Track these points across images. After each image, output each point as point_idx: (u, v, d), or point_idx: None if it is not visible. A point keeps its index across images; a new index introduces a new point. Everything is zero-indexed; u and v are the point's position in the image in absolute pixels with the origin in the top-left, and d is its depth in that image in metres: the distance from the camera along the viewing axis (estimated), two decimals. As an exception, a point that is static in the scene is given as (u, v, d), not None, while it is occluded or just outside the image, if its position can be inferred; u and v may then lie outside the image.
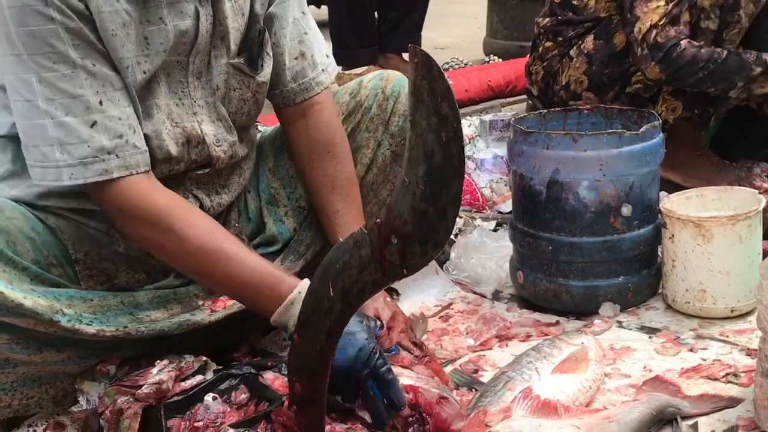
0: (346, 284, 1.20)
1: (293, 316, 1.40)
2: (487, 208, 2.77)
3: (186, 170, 1.67)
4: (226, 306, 1.68)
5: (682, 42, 2.34)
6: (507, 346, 1.96)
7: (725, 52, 2.37)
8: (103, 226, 1.64)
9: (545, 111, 2.27)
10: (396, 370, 1.48)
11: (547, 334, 1.96)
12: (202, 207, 1.71)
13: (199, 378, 1.51)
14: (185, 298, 1.69)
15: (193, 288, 1.71)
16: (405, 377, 1.50)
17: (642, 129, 2.00)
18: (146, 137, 1.55)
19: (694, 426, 1.52)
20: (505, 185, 2.86)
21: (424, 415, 1.44)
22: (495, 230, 2.60)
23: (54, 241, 1.59)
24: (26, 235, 1.53)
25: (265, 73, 1.75)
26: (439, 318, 2.15)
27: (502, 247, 2.38)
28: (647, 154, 2.01)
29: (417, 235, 1.05)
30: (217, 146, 1.68)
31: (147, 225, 1.51)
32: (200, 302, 1.70)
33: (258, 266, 1.51)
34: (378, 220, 1.11)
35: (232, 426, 1.39)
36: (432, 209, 1.01)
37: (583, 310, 2.07)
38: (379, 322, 1.50)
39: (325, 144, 1.82)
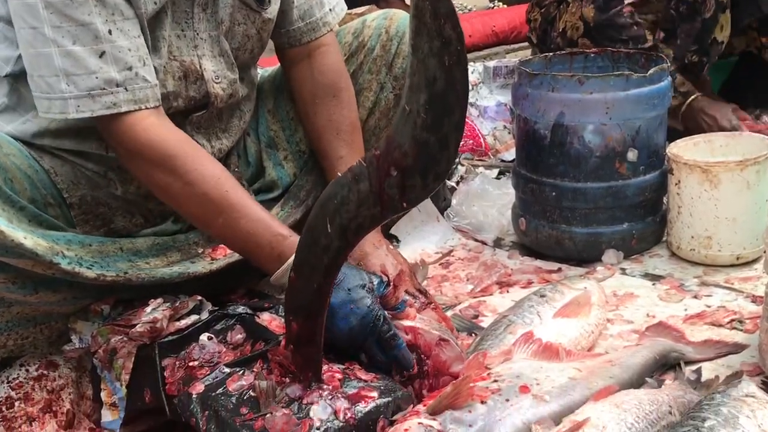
0: (344, 220, 1.17)
1: None
2: (490, 155, 2.73)
3: (185, 109, 1.63)
4: (227, 254, 1.66)
5: (626, 8, 2.36)
6: (508, 292, 1.95)
7: (649, 43, 2.45)
8: (100, 169, 1.61)
9: (550, 54, 2.22)
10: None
11: (548, 281, 1.94)
12: None
13: (194, 318, 1.49)
14: (184, 245, 1.67)
15: (193, 235, 1.69)
16: (406, 319, 1.48)
17: (650, 71, 1.96)
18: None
19: (698, 371, 1.50)
20: (509, 133, 2.84)
21: (422, 356, 1.42)
22: (497, 178, 2.58)
23: (50, 182, 1.57)
24: (24, 172, 1.50)
25: (272, 10, 1.71)
26: (439, 265, 2.13)
27: (504, 194, 2.36)
28: (655, 97, 1.97)
29: (418, 166, 1.02)
30: (216, 83, 1.64)
31: (153, 164, 1.46)
32: (200, 250, 1.67)
33: (261, 221, 1.46)
34: (377, 152, 1.07)
35: (227, 365, 1.37)
36: (433, 138, 0.98)
37: (586, 257, 2.05)
38: (385, 278, 1.46)
39: (331, 88, 1.79)
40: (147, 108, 1.46)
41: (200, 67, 1.60)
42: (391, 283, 1.45)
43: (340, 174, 1.68)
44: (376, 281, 1.42)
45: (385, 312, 1.41)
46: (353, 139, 1.79)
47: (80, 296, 1.56)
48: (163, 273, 1.57)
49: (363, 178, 1.11)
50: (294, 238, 1.42)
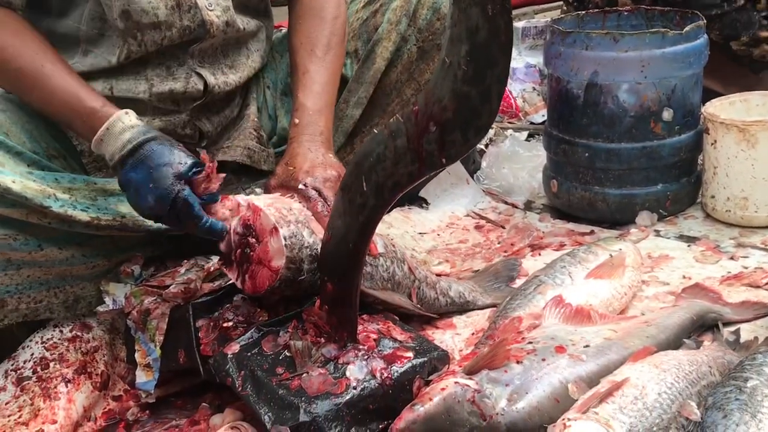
0: (380, 178, 1.16)
1: (108, 151, 1.41)
2: (520, 117, 2.71)
3: (181, 40, 1.62)
4: None
5: None
6: (540, 255, 1.93)
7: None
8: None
9: (583, 12, 2.19)
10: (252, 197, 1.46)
11: (581, 243, 1.91)
12: (206, 85, 1.68)
13: (227, 279, 1.49)
14: None
15: None
16: (258, 199, 1.44)
17: (686, 29, 1.93)
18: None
19: (736, 332, 1.49)
20: (538, 95, 2.81)
21: (251, 239, 1.39)
22: (527, 140, 2.56)
23: (54, 134, 1.58)
24: (21, 126, 1.52)
25: None
26: (474, 228, 2.12)
27: (535, 156, 2.35)
28: (691, 55, 1.94)
29: (458, 121, 1.00)
30: (210, 10, 1.62)
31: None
32: None
33: (73, 94, 1.46)
34: (415, 107, 1.06)
35: (261, 326, 1.37)
36: (475, 91, 0.96)
37: (619, 219, 2.03)
38: (203, 163, 1.41)
39: (316, 9, 1.75)
40: None
41: None
42: (206, 171, 1.40)
43: (300, 90, 1.66)
44: (187, 163, 1.39)
45: (192, 195, 1.38)
46: (325, 57, 1.72)
47: (90, 254, 1.56)
48: (160, 224, 1.54)
49: (400, 134, 1.10)
50: (107, 109, 1.44)
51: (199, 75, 1.66)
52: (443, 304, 1.64)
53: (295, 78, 1.71)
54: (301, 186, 1.47)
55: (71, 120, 1.48)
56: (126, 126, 1.41)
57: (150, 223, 1.53)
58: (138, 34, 1.57)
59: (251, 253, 1.38)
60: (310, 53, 1.70)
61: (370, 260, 1.46)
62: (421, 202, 2.22)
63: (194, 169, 1.38)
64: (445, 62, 0.98)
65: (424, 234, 2.11)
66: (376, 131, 1.14)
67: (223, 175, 1.42)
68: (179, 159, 1.38)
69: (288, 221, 1.38)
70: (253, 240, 1.38)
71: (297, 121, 1.61)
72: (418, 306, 1.55)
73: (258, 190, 1.69)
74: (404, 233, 2.08)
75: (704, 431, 1.16)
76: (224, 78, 1.71)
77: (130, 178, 1.38)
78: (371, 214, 1.21)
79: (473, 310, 1.69)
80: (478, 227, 2.13)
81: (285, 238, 1.35)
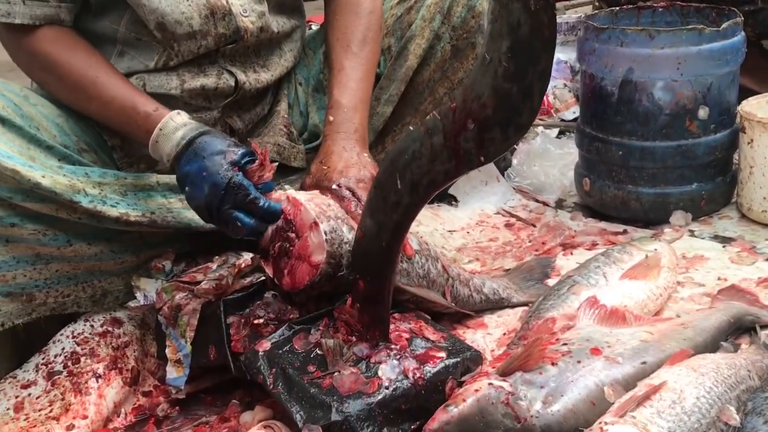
0: (416, 176, 1.14)
1: (164, 152, 1.44)
2: (552, 113, 2.68)
3: (216, 47, 1.62)
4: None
5: None
6: (572, 254, 1.91)
7: None
8: None
9: (617, 8, 2.16)
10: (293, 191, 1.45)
11: (614, 243, 1.90)
12: (237, 83, 1.67)
13: (258, 275, 1.49)
14: None
15: None
16: (298, 193, 1.43)
17: (723, 26, 1.89)
18: (162, 12, 1.53)
19: (775, 335, 1.46)
20: (569, 92, 2.78)
21: (291, 234, 1.38)
22: (558, 138, 2.54)
23: (85, 128, 1.58)
24: (52, 121, 1.52)
25: None
26: (504, 227, 2.10)
27: (566, 154, 2.32)
28: (728, 52, 1.91)
29: (498, 118, 0.98)
30: (245, 16, 1.62)
31: (39, 69, 1.54)
32: None
33: (128, 102, 1.49)
34: (452, 104, 1.04)
35: (293, 323, 1.37)
36: (516, 88, 0.94)
37: (653, 218, 2.00)
38: (255, 152, 1.41)
39: (353, 5, 1.74)
40: (42, 25, 1.51)
41: (227, 2, 1.59)
42: (259, 160, 1.39)
43: (335, 86, 1.66)
44: (239, 151, 1.39)
45: (247, 181, 1.38)
46: (360, 53, 1.71)
47: (118, 250, 1.56)
48: (192, 218, 1.55)
49: (437, 131, 1.08)
50: (160, 112, 1.47)
51: (231, 72, 1.66)
52: (477, 301, 1.63)
53: (330, 74, 1.70)
54: (334, 186, 1.46)
55: (129, 127, 1.50)
56: (178, 124, 1.43)
57: (179, 219, 1.53)
58: (175, 44, 1.57)
59: (290, 248, 1.38)
60: (345, 49, 1.69)
61: (405, 258, 1.44)
62: (451, 200, 2.20)
63: (247, 158, 1.39)
64: (485, 58, 0.96)
65: (454, 232, 2.09)
66: (411, 128, 1.13)
67: (276, 164, 1.42)
68: (231, 148, 1.39)
69: (328, 216, 1.37)
70: (293, 235, 1.38)
71: (331, 118, 1.60)
72: (453, 304, 1.53)
73: (287, 186, 1.68)
74: (433, 231, 2.06)
75: (744, 437, 1.14)
76: (256, 76, 1.70)
77: (186, 172, 1.39)
78: (405, 212, 1.20)
79: (508, 307, 1.67)
80: (508, 225, 2.11)
81: (326, 233, 1.35)
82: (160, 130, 1.43)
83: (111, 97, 1.50)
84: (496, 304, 1.66)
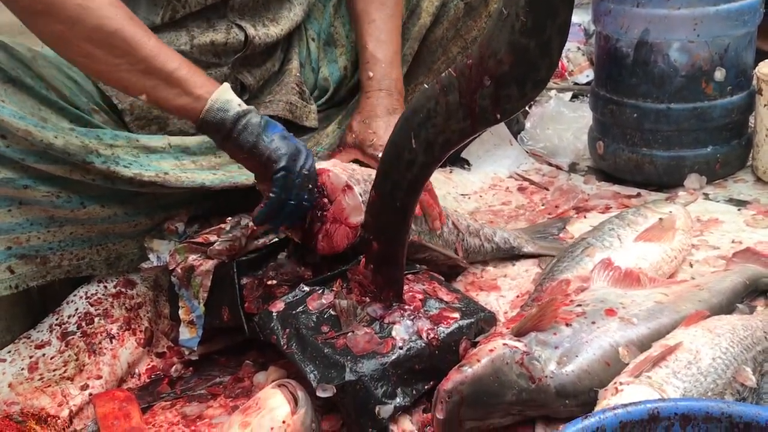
0: (431, 134, 1.13)
1: (233, 105, 1.34)
2: (566, 76, 2.66)
3: None
4: None
5: None
6: (585, 217, 1.90)
7: None
8: None
9: (633, -31, 2.12)
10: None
11: (627, 206, 1.89)
12: (247, 37, 1.65)
13: (271, 237, 1.48)
14: None
15: None
16: (319, 163, 1.44)
17: (741, -14, 1.86)
18: None
19: (790, 298, 1.45)
20: (583, 55, 2.76)
21: (323, 200, 1.39)
22: (571, 101, 2.52)
23: (95, 90, 1.56)
24: (62, 81, 1.49)
25: None
26: (517, 190, 2.09)
27: (580, 117, 2.31)
28: (745, 13, 1.88)
29: (515, 74, 0.97)
30: None
31: (44, 16, 1.30)
32: None
33: (174, 58, 1.36)
34: (468, 61, 1.03)
35: (306, 284, 1.36)
36: (534, 43, 0.93)
37: (667, 181, 1.99)
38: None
39: None
40: None
41: None
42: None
43: (368, 38, 1.67)
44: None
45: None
46: (389, 3, 1.71)
47: (132, 213, 1.55)
48: (204, 178, 1.54)
49: (452, 89, 1.07)
50: (206, 86, 1.36)
51: (240, 27, 1.64)
52: (488, 250, 1.65)
53: (360, 27, 1.69)
54: (380, 155, 1.45)
55: (161, 82, 1.36)
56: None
57: (192, 179, 1.52)
58: None
59: (324, 213, 1.39)
60: (374, 0, 1.69)
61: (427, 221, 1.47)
62: (464, 163, 2.19)
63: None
64: (502, 13, 0.94)
65: (467, 195, 2.08)
66: (426, 86, 1.11)
67: None
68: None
69: (357, 180, 1.40)
70: (325, 200, 1.39)
71: (371, 74, 1.63)
72: (464, 261, 1.56)
73: None
74: (446, 194, 2.05)
75: (760, 398, 1.13)
76: (265, 30, 1.68)
77: (277, 129, 1.35)
78: (420, 172, 1.19)
79: (519, 256, 1.71)
80: (521, 189, 2.10)
81: (361, 195, 1.36)
82: (217, 99, 1.34)
83: (153, 50, 1.35)
84: (507, 253, 1.69)
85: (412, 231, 1.44)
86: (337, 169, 1.39)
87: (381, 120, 1.56)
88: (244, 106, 1.35)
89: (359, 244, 1.35)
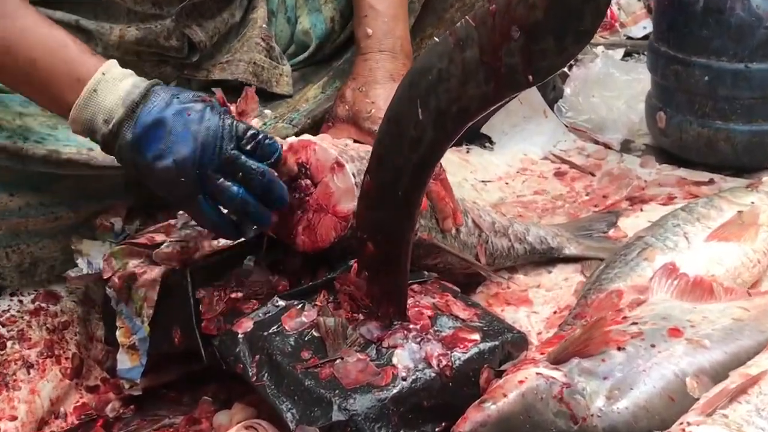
0: (442, 102, 1.13)
1: (101, 111, 1.33)
2: (617, 28, 2.68)
3: None
4: None
5: None
6: (642, 210, 1.92)
7: None
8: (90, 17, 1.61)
9: None
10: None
11: (697, 196, 1.90)
12: None
13: (236, 238, 1.49)
14: None
15: None
16: (302, 137, 1.44)
17: None
18: None
19: None
20: (638, 1, 2.78)
21: (305, 182, 1.39)
22: (624, 60, 2.53)
23: None
24: None
25: None
26: (554, 176, 2.10)
27: (635, 81, 2.32)
28: None
29: (551, 24, 0.97)
30: None
31: None
32: None
33: (50, 35, 1.37)
34: (492, 7, 1.03)
35: (281, 297, 1.36)
36: (575, -17, 0.94)
37: (748, 164, 2.03)
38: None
39: None
40: None
41: None
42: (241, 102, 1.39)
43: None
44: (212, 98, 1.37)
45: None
46: None
47: (50, 203, 1.56)
48: None
49: (471, 43, 1.07)
50: (98, 58, 1.37)
51: None
52: (520, 253, 1.67)
53: None
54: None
55: (52, 75, 1.37)
56: (125, 72, 1.37)
57: None
58: None
59: (306, 199, 1.38)
60: None
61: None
62: (485, 141, 2.21)
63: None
64: (535, -56, 0.95)
65: (488, 182, 2.11)
66: (437, 39, 1.12)
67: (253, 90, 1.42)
68: (199, 95, 1.36)
69: (351, 156, 1.39)
70: (308, 182, 1.38)
71: (370, 31, 1.64)
72: (487, 268, 1.57)
73: (267, 112, 1.69)
74: (462, 181, 2.07)
75: None
76: None
77: (158, 119, 1.31)
78: (429, 152, 1.19)
79: (557, 260, 1.72)
80: (559, 174, 2.12)
81: (354, 175, 1.36)
82: (103, 74, 1.35)
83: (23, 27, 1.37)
84: (543, 256, 1.71)
85: (420, 227, 1.45)
86: (325, 143, 1.39)
87: (381, 87, 1.58)
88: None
89: (351, 244, 1.36)
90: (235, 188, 1.32)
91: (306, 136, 1.43)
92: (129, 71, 1.37)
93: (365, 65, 1.63)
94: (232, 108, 1.39)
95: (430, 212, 1.49)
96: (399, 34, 1.64)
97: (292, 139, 1.44)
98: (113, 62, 1.37)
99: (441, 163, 1.47)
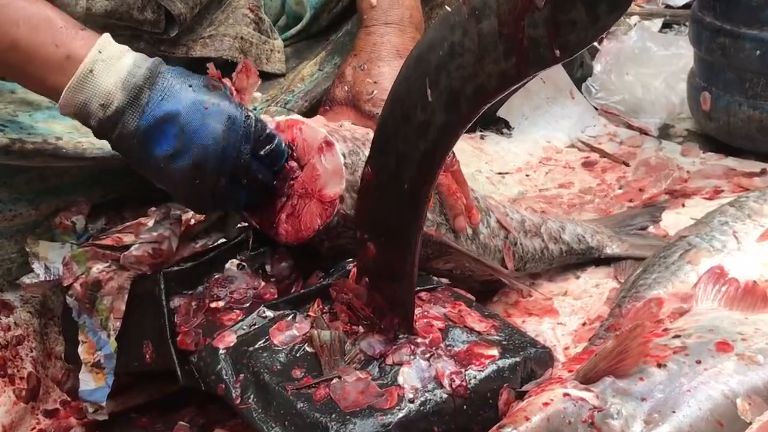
0: (455, 81, 1.13)
1: (97, 95, 1.35)
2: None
3: None
4: None
5: None
6: (683, 206, 1.93)
7: None
8: None
9: None
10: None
11: (747, 189, 1.91)
12: None
13: (215, 237, 1.49)
14: None
15: None
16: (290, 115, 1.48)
17: None
18: None
19: None
20: (679, -38, 2.78)
21: (291, 164, 1.41)
22: (662, 32, 2.53)
23: None
24: None
25: None
26: (582, 166, 2.11)
27: (675, 56, 2.33)
28: None
29: (581, -11, 0.98)
30: None
31: None
32: None
33: (36, 10, 1.38)
34: (513, -29, 1.03)
35: (269, 307, 1.37)
36: (609, -56, 0.94)
37: (806, 152, 2.02)
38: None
39: None
40: None
41: None
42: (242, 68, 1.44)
43: None
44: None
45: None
46: None
47: (7, 199, 1.57)
48: None
49: (488, 12, 1.07)
50: (92, 33, 1.39)
51: None
52: (556, 253, 1.68)
53: None
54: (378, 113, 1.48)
55: (35, 54, 1.38)
56: (122, 48, 1.39)
57: (99, 146, 1.52)
58: None
59: (290, 184, 1.39)
60: None
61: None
62: (501, 126, 2.21)
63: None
64: None
65: (506, 174, 2.11)
66: (449, 8, 1.12)
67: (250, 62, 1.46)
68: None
69: (343, 136, 1.39)
70: (293, 164, 1.39)
71: (374, 0, 1.63)
72: (509, 273, 1.56)
73: (258, 95, 1.69)
74: (475, 173, 2.07)
75: None
76: None
77: (172, 113, 1.34)
78: (439, 138, 1.19)
79: (585, 264, 1.73)
80: (587, 164, 2.12)
81: (344, 156, 1.37)
82: (100, 52, 1.36)
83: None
84: (584, 256, 1.72)
85: (426, 221, 1.45)
86: (313, 122, 1.40)
87: (386, 65, 1.58)
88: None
89: (347, 244, 1.37)
90: (241, 195, 1.38)
91: (295, 116, 1.45)
92: (125, 47, 1.39)
93: (368, 39, 1.64)
94: (229, 84, 1.40)
95: (438, 207, 1.49)
96: (407, 4, 1.64)
97: (281, 118, 1.45)
98: (107, 38, 1.38)
99: (454, 153, 1.47)
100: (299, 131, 1.40)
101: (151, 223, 1.48)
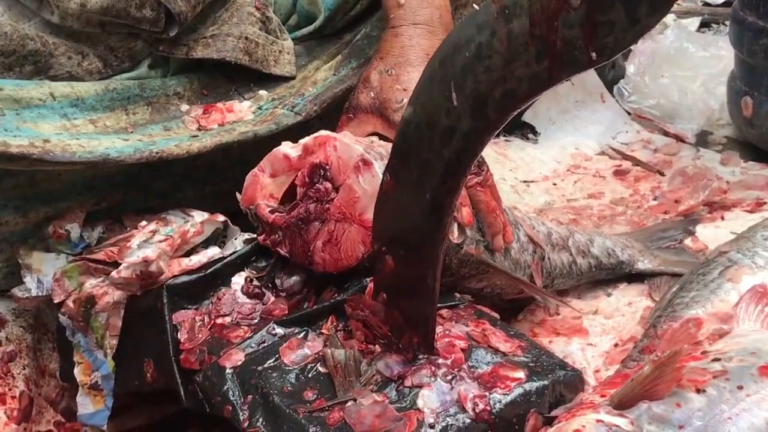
0: (483, 85, 1.14)
1: None
2: (689, -8, 2.70)
3: None
4: (224, 123, 1.68)
5: None
6: (723, 219, 1.93)
7: None
8: None
9: None
10: None
11: (792, 201, 1.92)
12: None
13: (215, 250, 1.50)
14: (159, 96, 1.69)
15: (175, 83, 1.72)
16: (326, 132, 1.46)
17: None
18: None
19: None
20: (719, -42, 2.79)
21: (325, 185, 1.41)
22: (701, 31, 2.53)
23: None
24: None
25: None
26: (613, 174, 2.11)
27: (714, 57, 2.33)
28: None
29: (620, -12, 0.99)
30: None
31: None
32: (183, 107, 1.70)
33: None
34: (546, -32, 1.04)
35: (279, 324, 1.37)
36: (651, -61, 0.94)
37: None
38: None
39: None
40: None
41: None
42: None
43: None
44: None
45: None
46: None
47: None
48: (110, 146, 1.55)
49: (519, 12, 1.08)
50: None
51: None
52: (584, 268, 1.68)
53: None
54: None
55: None
56: None
57: (89, 150, 1.53)
58: None
59: (325, 207, 1.40)
60: None
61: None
62: (527, 132, 2.21)
63: None
64: None
65: (532, 183, 2.11)
66: (476, 7, 1.13)
67: None
68: None
69: (379, 154, 1.39)
70: (327, 185, 1.40)
71: (402, 0, 1.64)
72: (546, 291, 1.57)
73: (263, 92, 1.70)
74: (499, 181, 2.07)
75: None
76: None
77: None
78: (465, 145, 1.20)
79: (618, 281, 1.74)
80: (619, 173, 2.12)
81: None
82: None
83: None
84: (614, 271, 1.73)
85: (465, 239, 1.45)
86: (347, 138, 1.40)
87: (416, 70, 1.57)
88: None
89: (369, 260, 1.37)
90: None
91: (324, 132, 1.44)
92: None
93: (396, 42, 1.63)
94: None
95: (476, 225, 1.50)
96: (437, 3, 1.64)
97: (307, 139, 1.44)
98: None
99: (487, 165, 1.48)
100: (333, 149, 1.40)
101: (136, 243, 1.48)
